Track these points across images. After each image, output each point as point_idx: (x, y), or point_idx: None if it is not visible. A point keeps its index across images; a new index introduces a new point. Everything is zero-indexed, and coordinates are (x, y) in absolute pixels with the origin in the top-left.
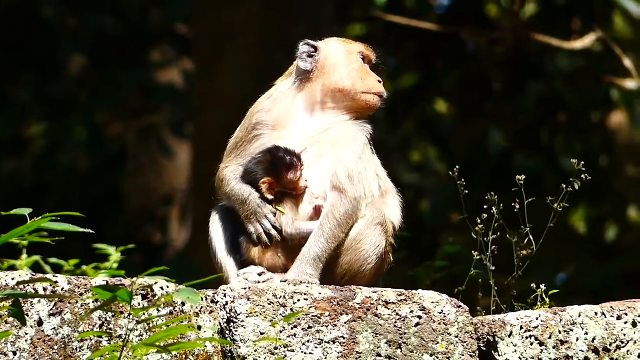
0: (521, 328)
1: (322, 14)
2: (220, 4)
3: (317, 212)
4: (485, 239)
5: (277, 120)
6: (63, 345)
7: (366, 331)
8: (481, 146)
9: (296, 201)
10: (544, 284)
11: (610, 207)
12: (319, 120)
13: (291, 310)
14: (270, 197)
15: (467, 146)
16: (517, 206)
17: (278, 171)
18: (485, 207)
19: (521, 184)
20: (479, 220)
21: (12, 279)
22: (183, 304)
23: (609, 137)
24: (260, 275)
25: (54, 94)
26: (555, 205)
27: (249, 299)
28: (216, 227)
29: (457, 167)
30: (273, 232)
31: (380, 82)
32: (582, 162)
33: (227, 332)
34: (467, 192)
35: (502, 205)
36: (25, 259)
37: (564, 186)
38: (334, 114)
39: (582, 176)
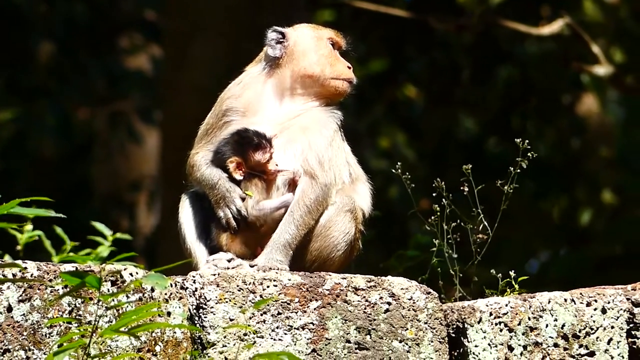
0: (490, 314)
1: (292, 1)
2: None
3: (291, 185)
4: (445, 226)
5: (247, 106)
6: (32, 331)
7: (335, 317)
8: (451, 132)
9: (268, 186)
10: (513, 271)
11: (583, 191)
12: (288, 106)
13: (260, 296)
14: (238, 177)
15: (437, 132)
16: (466, 189)
17: (245, 151)
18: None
19: (468, 173)
20: (436, 209)
21: None
22: (152, 290)
23: (580, 121)
24: (229, 261)
25: (24, 81)
26: (506, 187)
27: (218, 285)
28: (186, 213)
29: (399, 163)
30: (241, 214)
31: (349, 68)
32: (527, 141)
33: (197, 318)
34: (436, 177)
35: (464, 189)
36: (30, 230)
37: (511, 168)
38: (304, 100)
39: (529, 155)
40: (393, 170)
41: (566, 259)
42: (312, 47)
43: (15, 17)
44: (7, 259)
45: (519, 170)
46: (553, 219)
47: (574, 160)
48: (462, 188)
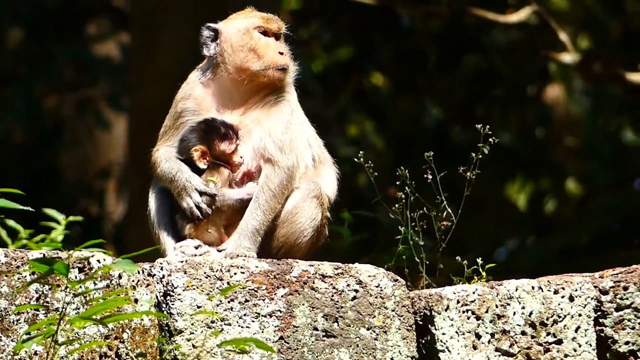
0: (458, 302)
1: None
2: None
3: (246, 177)
4: (408, 214)
5: (199, 106)
6: (0, 319)
7: (303, 305)
8: (417, 120)
9: (233, 177)
10: (481, 259)
11: (549, 180)
12: (238, 100)
13: (228, 283)
14: (202, 166)
15: (403, 120)
16: (430, 177)
17: (211, 140)
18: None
19: (430, 160)
20: (400, 197)
21: None
22: (120, 276)
23: (546, 110)
24: (196, 248)
25: None
26: (468, 173)
27: (185, 272)
28: (154, 200)
29: (362, 152)
30: (202, 205)
31: (282, 53)
32: (488, 127)
33: (164, 305)
34: (403, 164)
35: (428, 177)
36: None
37: (473, 155)
38: (250, 91)
39: (490, 140)
40: (355, 159)
41: (533, 248)
42: (239, 40)
43: None
44: None
45: (480, 156)
46: (518, 207)
47: (539, 149)
48: (425, 176)
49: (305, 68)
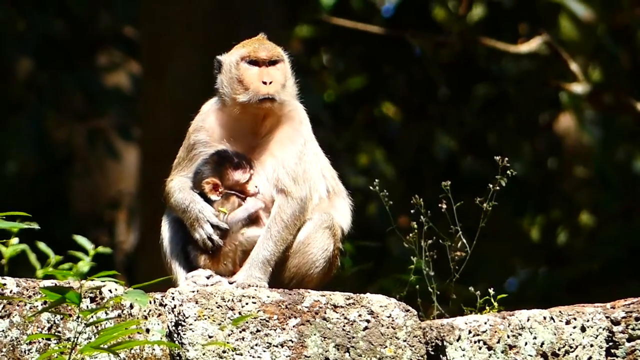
0: (469, 332)
1: (269, 16)
2: (167, 7)
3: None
4: (423, 243)
5: (211, 137)
6: (11, 348)
7: (314, 335)
8: (428, 149)
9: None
10: (492, 289)
11: (560, 211)
12: (247, 132)
13: (239, 313)
14: (214, 198)
15: (413, 149)
16: (444, 206)
17: (224, 170)
18: (413, 211)
19: (447, 189)
20: (414, 226)
21: None
22: (131, 306)
23: (557, 140)
24: (208, 278)
25: (0, 97)
26: (485, 205)
27: (197, 302)
28: (167, 230)
29: (377, 180)
30: (214, 236)
31: (265, 83)
32: (507, 159)
33: (176, 335)
34: (413, 194)
35: (442, 206)
36: (14, 243)
37: (490, 185)
38: (253, 123)
39: (508, 172)
40: (371, 187)
41: (545, 278)
42: (229, 72)
43: None
44: None
45: (498, 188)
46: (531, 237)
47: (551, 180)
48: (440, 205)
49: (316, 98)
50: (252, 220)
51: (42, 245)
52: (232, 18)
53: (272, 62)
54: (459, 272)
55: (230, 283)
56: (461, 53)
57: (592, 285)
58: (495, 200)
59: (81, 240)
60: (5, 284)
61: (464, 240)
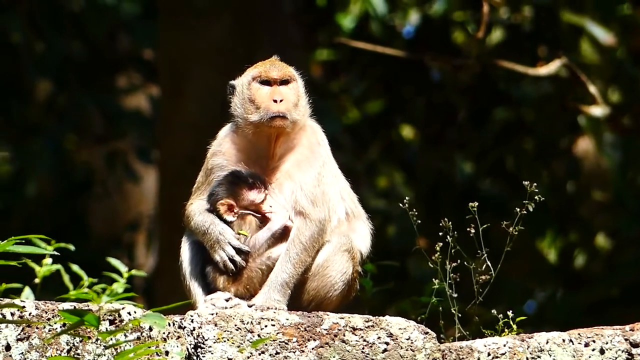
0: (489, 355)
1: (288, 39)
2: (185, 29)
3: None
4: (446, 266)
5: (228, 161)
6: None
7: (333, 357)
8: (446, 173)
9: (263, 224)
10: (511, 311)
11: (578, 234)
12: (263, 154)
13: (258, 336)
14: (229, 218)
15: (432, 173)
16: (472, 231)
17: (238, 191)
18: (440, 234)
19: (474, 211)
20: (437, 248)
21: None
22: (151, 329)
23: (576, 163)
24: (227, 300)
25: (20, 119)
26: (511, 229)
27: (216, 325)
28: (186, 252)
29: (407, 198)
30: (236, 257)
31: (276, 101)
32: (535, 184)
33: (195, 357)
34: (432, 217)
35: (471, 230)
36: (49, 263)
37: (518, 210)
38: (268, 144)
39: (536, 197)
40: (400, 205)
41: (563, 301)
42: (241, 93)
43: (12, 54)
44: (27, 291)
45: (525, 213)
46: (548, 260)
47: (569, 204)
48: (468, 229)
49: (336, 120)
50: (277, 238)
51: (75, 267)
52: (251, 41)
53: (284, 82)
54: (483, 295)
55: (250, 306)
56: (480, 76)
57: (611, 307)
58: (515, 223)
59: (115, 262)
60: (24, 307)
61: (489, 263)
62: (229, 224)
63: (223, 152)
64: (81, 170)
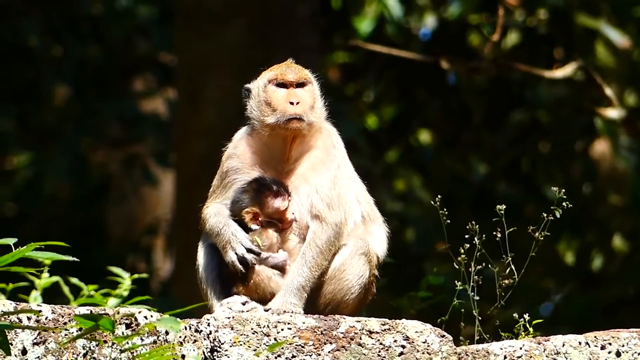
0: (505, 358)
1: (304, 43)
2: (200, 34)
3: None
4: (469, 268)
5: (243, 164)
6: None
7: None
8: (462, 175)
9: (282, 237)
10: (527, 314)
11: (594, 236)
12: (278, 157)
13: (275, 339)
14: (254, 227)
15: (448, 175)
16: (499, 235)
17: (263, 199)
18: (467, 236)
19: (502, 214)
20: (462, 250)
21: None
22: (167, 332)
23: (592, 166)
24: (243, 304)
25: (37, 124)
26: (537, 234)
27: (232, 328)
28: (203, 256)
29: (439, 196)
30: (247, 255)
31: (293, 103)
32: (563, 190)
33: None
34: (449, 221)
35: (484, 235)
36: (46, 277)
37: (545, 215)
38: (284, 147)
39: (563, 204)
40: (432, 202)
41: (579, 302)
42: (257, 96)
43: (29, 58)
44: (36, 294)
45: (552, 218)
46: (564, 261)
47: (586, 206)
48: (495, 233)
49: (352, 123)
50: (280, 269)
51: (74, 280)
52: (267, 45)
53: (300, 84)
54: (505, 299)
55: (266, 310)
56: (496, 79)
57: (627, 308)
58: (531, 225)
59: (117, 270)
60: (40, 311)
61: (513, 267)
62: (250, 232)
63: (238, 155)
64: (98, 175)
